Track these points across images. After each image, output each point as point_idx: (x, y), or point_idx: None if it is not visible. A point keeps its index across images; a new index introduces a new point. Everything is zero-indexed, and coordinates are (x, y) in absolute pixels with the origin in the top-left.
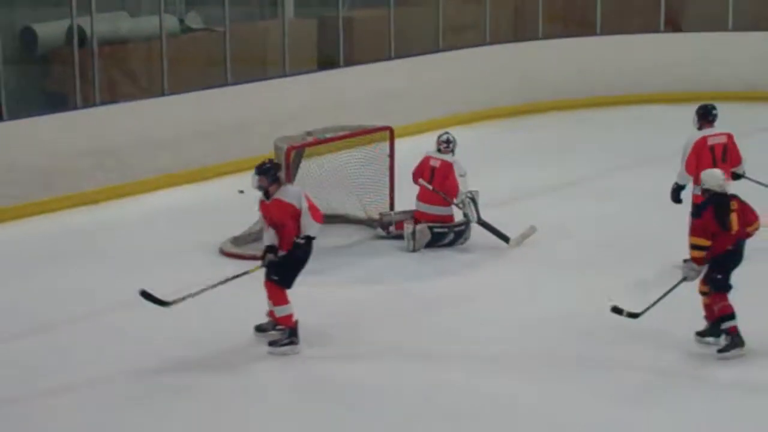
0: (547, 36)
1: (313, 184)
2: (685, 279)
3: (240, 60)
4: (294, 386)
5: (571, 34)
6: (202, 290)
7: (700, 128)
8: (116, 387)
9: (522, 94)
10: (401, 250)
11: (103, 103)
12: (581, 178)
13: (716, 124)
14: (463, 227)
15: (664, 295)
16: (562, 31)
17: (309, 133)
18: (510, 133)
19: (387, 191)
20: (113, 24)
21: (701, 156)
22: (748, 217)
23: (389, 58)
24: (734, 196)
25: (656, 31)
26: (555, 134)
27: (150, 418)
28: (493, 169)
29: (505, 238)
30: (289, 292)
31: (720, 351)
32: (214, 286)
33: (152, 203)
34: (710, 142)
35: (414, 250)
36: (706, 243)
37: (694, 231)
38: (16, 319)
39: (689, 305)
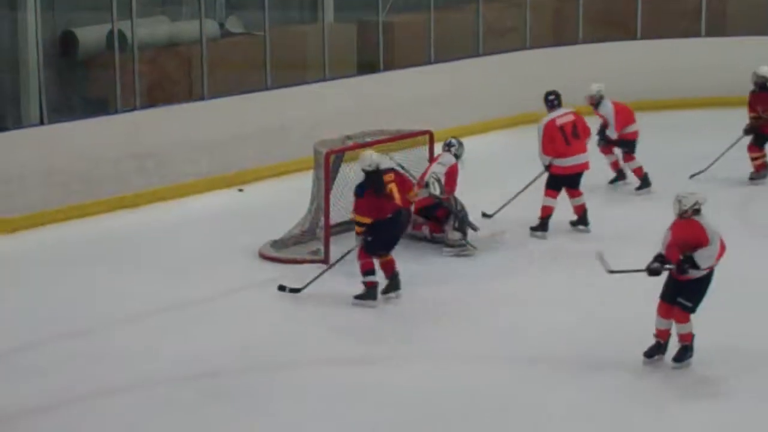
0: (587, 40)
1: (352, 188)
2: None
3: (280, 64)
4: (335, 388)
5: (611, 39)
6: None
7: (549, 113)
8: (155, 391)
9: (562, 98)
10: (437, 254)
11: (144, 107)
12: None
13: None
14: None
15: None
16: (602, 36)
17: (348, 137)
18: None
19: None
20: (154, 28)
21: (554, 137)
22: (407, 186)
23: (429, 63)
24: (390, 170)
25: (697, 35)
26: (593, 138)
27: (188, 421)
28: (533, 173)
29: (474, 227)
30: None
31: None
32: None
33: (192, 206)
34: (558, 122)
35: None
36: (367, 220)
37: (357, 210)
38: (55, 323)
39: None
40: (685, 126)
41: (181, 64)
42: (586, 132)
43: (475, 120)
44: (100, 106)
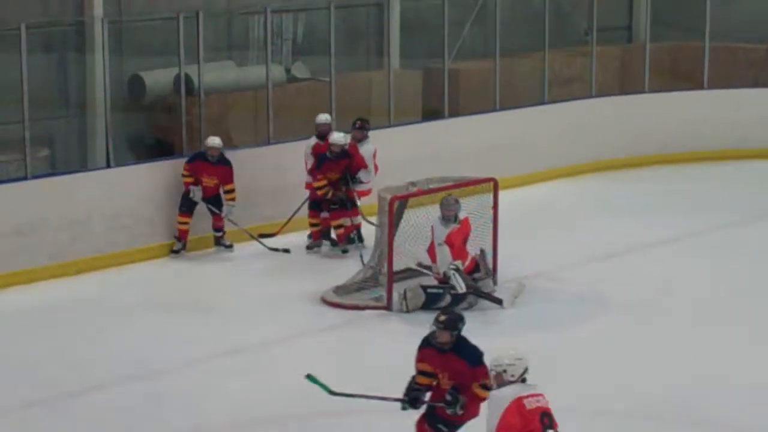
0: (654, 89)
1: (416, 235)
2: None
3: (345, 110)
4: None
5: (677, 88)
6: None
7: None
8: None
9: (627, 147)
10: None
11: None
12: (687, 233)
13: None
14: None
15: None
16: (668, 85)
17: (413, 184)
18: (614, 186)
19: (490, 242)
20: (220, 73)
21: None
22: None
23: (494, 110)
24: None
25: (764, 85)
26: (661, 188)
27: None
28: (598, 223)
29: (498, 301)
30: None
31: None
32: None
33: (257, 251)
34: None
35: (407, 311)
36: None
37: None
38: (120, 365)
39: None
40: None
41: (247, 109)
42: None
43: (539, 168)
44: (166, 150)
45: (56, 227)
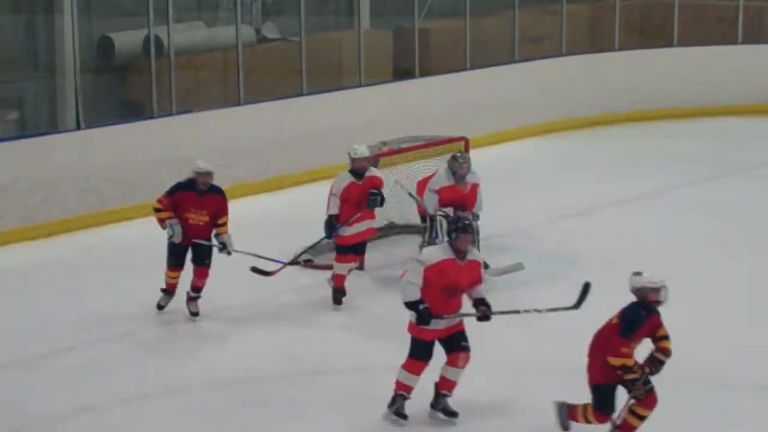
0: (624, 47)
1: (388, 194)
2: None
3: (316, 70)
4: (374, 395)
5: (647, 46)
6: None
7: None
8: (193, 397)
9: (598, 105)
10: None
11: (180, 112)
12: (657, 189)
13: None
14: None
15: None
16: (638, 43)
17: (384, 143)
18: (586, 144)
19: None
20: (190, 34)
21: None
22: None
23: (465, 69)
24: None
25: (733, 42)
26: (631, 145)
27: (224, 427)
28: (569, 180)
29: (485, 265)
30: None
31: None
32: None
33: (229, 211)
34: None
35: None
36: None
37: None
38: (93, 327)
39: None
40: (724, 131)
41: (218, 70)
42: None
43: (510, 126)
44: (136, 111)
45: (27, 190)
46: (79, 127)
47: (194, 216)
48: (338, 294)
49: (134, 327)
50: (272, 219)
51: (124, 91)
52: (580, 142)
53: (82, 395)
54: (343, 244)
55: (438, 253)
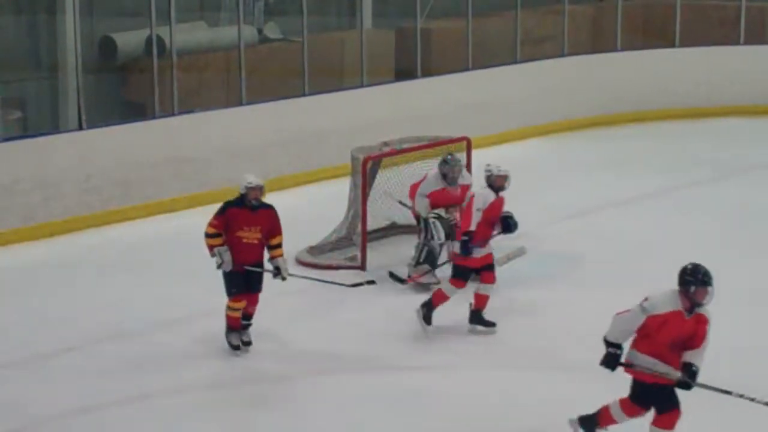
0: (626, 48)
1: (389, 194)
2: None
3: (318, 70)
4: (373, 395)
5: (649, 46)
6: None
7: None
8: (193, 396)
9: (600, 105)
10: None
11: (181, 112)
12: (658, 190)
13: None
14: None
15: None
16: (640, 43)
17: (386, 144)
18: (587, 144)
19: None
20: (192, 34)
21: None
22: None
23: (467, 70)
24: None
25: (735, 43)
26: (633, 146)
27: (226, 428)
28: (570, 181)
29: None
30: None
31: None
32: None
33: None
34: None
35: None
36: None
37: None
38: (94, 327)
39: None
40: (726, 132)
41: (220, 70)
42: None
43: (512, 127)
44: (138, 111)
45: (28, 189)
46: (80, 127)
47: (247, 234)
48: (431, 311)
49: (135, 327)
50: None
51: (125, 91)
52: (582, 143)
53: (83, 395)
54: (466, 266)
55: (665, 303)
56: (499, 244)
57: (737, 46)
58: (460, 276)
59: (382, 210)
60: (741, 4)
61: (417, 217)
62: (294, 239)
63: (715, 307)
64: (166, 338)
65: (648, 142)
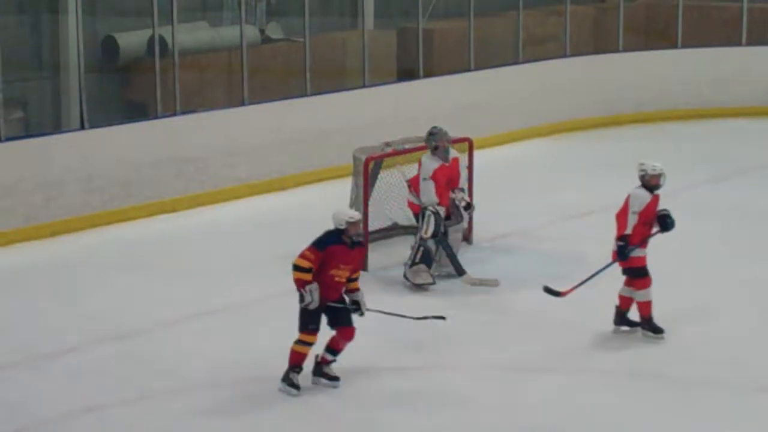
0: (628, 48)
1: (391, 195)
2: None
3: (320, 71)
4: (372, 395)
5: (651, 47)
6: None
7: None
8: (194, 397)
9: (602, 106)
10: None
11: (183, 112)
12: (662, 191)
13: None
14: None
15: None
16: (642, 44)
17: (388, 144)
18: (589, 145)
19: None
20: (194, 34)
21: None
22: None
23: (469, 70)
24: None
25: (737, 44)
26: (635, 147)
27: (226, 428)
28: (573, 181)
29: (462, 271)
30: None
31: None
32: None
33: (231, 212)
34: None
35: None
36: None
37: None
38: (96, 327)
39: None
40: (728, 133)
41: (222, 70)
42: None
43: (514, 128)
44: (140, 111)
45: (31, 189)
46: (82, 127)
47: (341, 273)
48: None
49: (136, 326)
50: (275, 219)
51: (127, 91)
52: (584, 143)
53: (84, 395)
54: (639, 266)
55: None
56: (501, 260)
57: (739, 47)
58: (640, 275)
59: (383, 211)
60: (743, 4)
61: (416, 211)
62: (295, 240)
63: (715, 307)
64: (166, 338)
65: (650, 143)
